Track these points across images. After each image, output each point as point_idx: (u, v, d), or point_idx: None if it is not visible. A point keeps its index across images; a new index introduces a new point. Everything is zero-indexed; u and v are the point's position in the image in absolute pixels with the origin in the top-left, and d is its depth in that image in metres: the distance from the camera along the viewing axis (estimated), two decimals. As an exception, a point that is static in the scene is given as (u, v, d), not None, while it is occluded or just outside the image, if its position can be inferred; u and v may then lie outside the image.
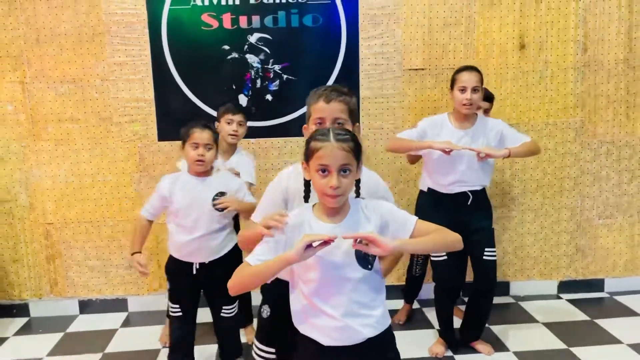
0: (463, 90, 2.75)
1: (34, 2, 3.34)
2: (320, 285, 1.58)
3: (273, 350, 1.99)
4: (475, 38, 3.50)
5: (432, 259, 2.97)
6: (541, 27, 3.50)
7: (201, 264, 2.52)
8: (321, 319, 1.59)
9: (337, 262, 1.56)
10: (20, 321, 3.58)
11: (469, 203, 2.84)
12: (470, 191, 2.84)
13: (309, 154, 1.58)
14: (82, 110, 3.46)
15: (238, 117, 2.98)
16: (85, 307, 3.64)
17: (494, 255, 2.87)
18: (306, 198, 1.69)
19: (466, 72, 2.77)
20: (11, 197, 3.52)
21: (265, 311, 2.01)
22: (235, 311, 2.65)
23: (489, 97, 3.19)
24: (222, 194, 2.48)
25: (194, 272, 2.52)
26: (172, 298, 2.61)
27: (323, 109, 1.79)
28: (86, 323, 3.52)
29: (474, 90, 2.74)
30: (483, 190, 2.92)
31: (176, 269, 2.57)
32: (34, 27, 3.36)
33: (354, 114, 1.87)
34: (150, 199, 2.56)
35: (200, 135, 2.43)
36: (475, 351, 2.99)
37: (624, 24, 3.50)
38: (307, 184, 1.67)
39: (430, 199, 2.93)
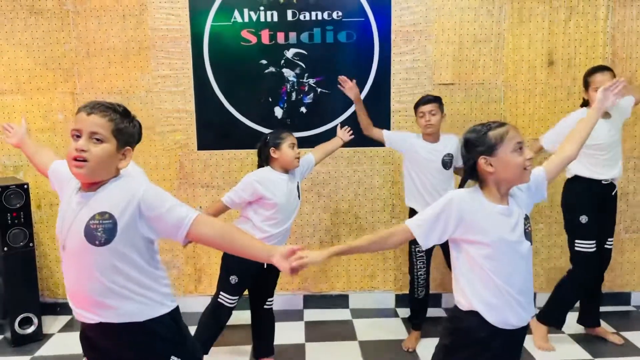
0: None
1: (85, 18, 3.57)
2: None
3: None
4: (505, 54, 3.61)
5: (581, 249, 3.12)
6: (570, 45, 3.59)
7: None
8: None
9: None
10: (64, 318, 3.77)
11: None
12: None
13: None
14: (127, 120, 3.65)
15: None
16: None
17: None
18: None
19: (599, 74, 2.95)
20: (59, 201, 3.72)
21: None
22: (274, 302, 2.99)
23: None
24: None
25: (265, 265, 2.66)
26: (236, 291, 2.81)
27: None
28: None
29: None
30: None
31: (250, 262, 2.72)
32: (85, 41, 3.59)
33: None
34: (238, 192, 2.75)
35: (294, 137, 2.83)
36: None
37: (652, 42, 3.58)
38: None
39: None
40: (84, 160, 1.58)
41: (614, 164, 3.11)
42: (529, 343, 3.21)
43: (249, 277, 2.83)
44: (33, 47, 3.59)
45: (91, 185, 1.64)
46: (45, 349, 3.34)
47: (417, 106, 3.16)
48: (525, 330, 1.88)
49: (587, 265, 3.13)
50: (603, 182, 3.11)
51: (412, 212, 3.18)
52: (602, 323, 3.55)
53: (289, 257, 1.61)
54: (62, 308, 3.82)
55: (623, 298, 3.82)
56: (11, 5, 3.55)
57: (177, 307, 1.74)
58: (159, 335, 1.67)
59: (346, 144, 3.25)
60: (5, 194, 3.27)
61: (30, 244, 3.38)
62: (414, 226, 1.79)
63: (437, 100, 3.14)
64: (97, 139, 1.60)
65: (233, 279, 2.80)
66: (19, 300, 3.37)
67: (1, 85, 3.62)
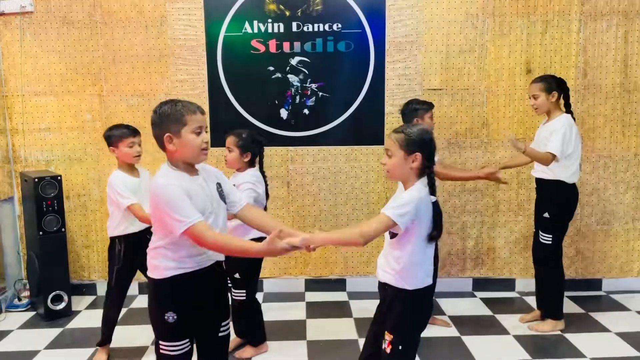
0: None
1: (111, 29, 3.99)
2: None
3: (184, 341, 2.11)
4: (487, 63, 4.01)
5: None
6: (546, 55, 3.99)
7: None
8: None
9: None
10: (89, 298, 4.20)
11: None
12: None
13: None
14: (148, 120, 4.00)
15: (138, 139, 3.14)
16: (144, 288, 4.23)
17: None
18: None
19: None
20: (86, 192, 4.15)
21: (171, 317, 2.05)
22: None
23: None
24: None
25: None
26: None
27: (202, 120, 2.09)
28: (145, 301, 4.08)
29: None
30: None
31: None
32: (111, 49, 4.01)
33: None
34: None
35: None
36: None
37: (620, 53, 3.97)
38: None
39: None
40: (206, 149, 2.06)
41: None
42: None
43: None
44: (65, 53, 4.01)
45: (195, 169, 2.10)
46: (74, 323, 3.75)
47: (427, 109, 3.37)
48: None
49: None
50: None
51: None
52: (573, 305, 3.94)
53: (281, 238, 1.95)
54: (87, 289, 4.24)
55: (595, 284, 4.20)
56: (45, 16, 3.97)
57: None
58: None
59: (343, 144, 3.67)
60: (41, 184, 3.68)
61: (62, 229, 3.80)
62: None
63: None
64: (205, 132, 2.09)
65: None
66: (51, 280, 3.78)
67: (36, 87, 4.04)
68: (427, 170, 2.09)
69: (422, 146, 2.07)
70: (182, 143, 1.99)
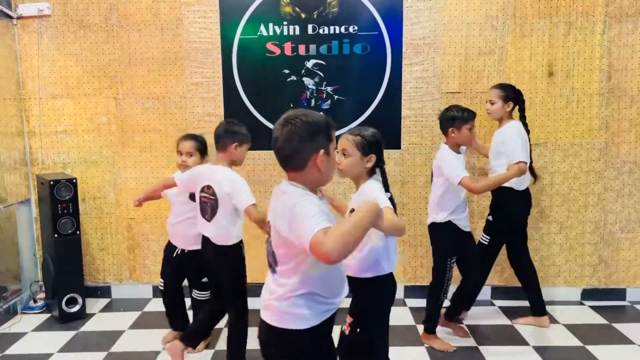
0: None
1: (128, 32, 3.99)
2: None
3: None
4: (508, 66, 3.91)
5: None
6: (569, 57, 3.87)
7: None
8: None
9: None
10: (104, 301, 4.20)
11: None
12: None
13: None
14: (163, 123, 4.07)
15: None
16: (158, 292, 4.21)
17: None
18: None
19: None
20: (101, 194, 4.16)
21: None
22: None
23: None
24: None
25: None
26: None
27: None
28: (159, 305, 4.07)
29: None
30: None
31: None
32: (127, 52, 4.01)
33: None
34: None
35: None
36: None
37: (646, 55, 3.84)
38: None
39: None
40: None
41: None
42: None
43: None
44: (81, 56, 4.03)
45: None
46: (88, 326, 3.75)
47: (466, 119, 3.17)
48: None
49: None
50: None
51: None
52: (595, 315, 3.82)
53: None
54: (102, 291, 4.24)
55: (618, 294, 4.06)
56: (63, 19, 3.99)
57: None
58: None
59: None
60: (56, 187, 3.69)
61: (77, 232, 3.80)
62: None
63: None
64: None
65: None
66: (66, 282, 3.79)
67: (53, 90, 4.06)
68: (379, 168, 2.36)
69: (376, 148, 2.35)
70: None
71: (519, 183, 3.38)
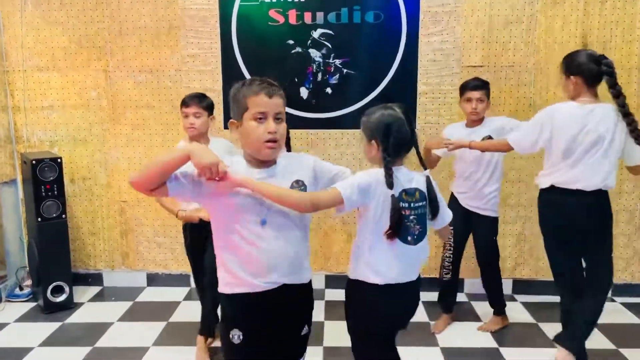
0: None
1: (118, -2, 3.65)
2: None
3: None
4: (537, 36, 3.52)
5: None
6: (605, 27, 3.47)
7: None
8: None
9: None
10: (95, 289, 3.93)
11: None
12: None
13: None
14: (157, 98, 3.74)
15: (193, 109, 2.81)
16: (152, 280, 3.95)
17: None
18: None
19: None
20: (91, 175, 3.87)
21: (237, 336, 1.69)
22: None
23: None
24: None
25: None
26: None
27: (266, 103, 1.70)
28: (153, 294, 3.82)
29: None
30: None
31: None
32: (117, 20, 3.67)
33: None
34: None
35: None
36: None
37: (694, 25, 3.42)
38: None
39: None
40: (275, 141, 1.67)
41: None
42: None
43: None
44: (68, 25, 3.70)
45: (268, 161, 1.73)
46: (75, 317, 3.49)
47: (463, 89, 3.08)
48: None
49: None
50: None
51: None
52: (628, 313, 3.48)
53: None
54: (93, 279, 3.98)
55: (650, 289, 3.71)
56: (48, -16, 3.67)
57: None
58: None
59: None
60: (39, 166, 3.40)
61: (63, 216, 3.52)
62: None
63: (485, 86, 3.06)
64: (279, 119, 1.71)
65: None
66: (51, 270, 3.52)
67: (38, 61, 3.75)
68: (384, 160, 1.85)
69: (378, 133, 1.87)
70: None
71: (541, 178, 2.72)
